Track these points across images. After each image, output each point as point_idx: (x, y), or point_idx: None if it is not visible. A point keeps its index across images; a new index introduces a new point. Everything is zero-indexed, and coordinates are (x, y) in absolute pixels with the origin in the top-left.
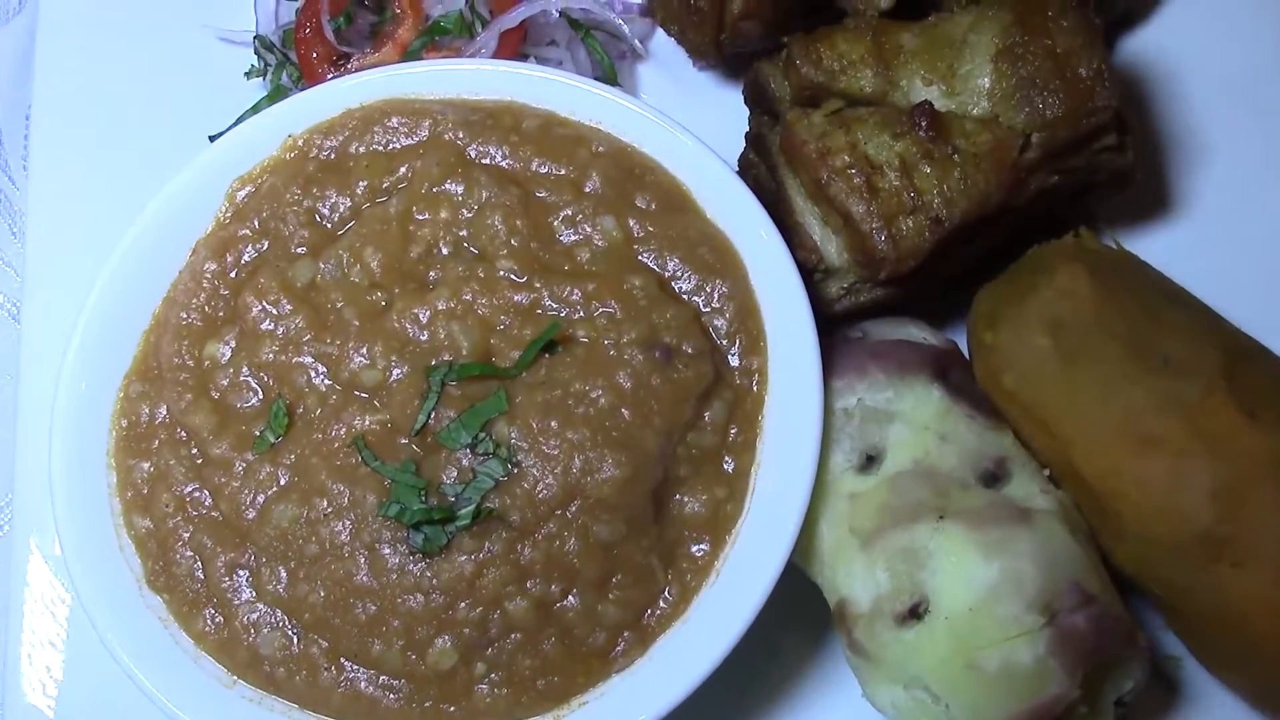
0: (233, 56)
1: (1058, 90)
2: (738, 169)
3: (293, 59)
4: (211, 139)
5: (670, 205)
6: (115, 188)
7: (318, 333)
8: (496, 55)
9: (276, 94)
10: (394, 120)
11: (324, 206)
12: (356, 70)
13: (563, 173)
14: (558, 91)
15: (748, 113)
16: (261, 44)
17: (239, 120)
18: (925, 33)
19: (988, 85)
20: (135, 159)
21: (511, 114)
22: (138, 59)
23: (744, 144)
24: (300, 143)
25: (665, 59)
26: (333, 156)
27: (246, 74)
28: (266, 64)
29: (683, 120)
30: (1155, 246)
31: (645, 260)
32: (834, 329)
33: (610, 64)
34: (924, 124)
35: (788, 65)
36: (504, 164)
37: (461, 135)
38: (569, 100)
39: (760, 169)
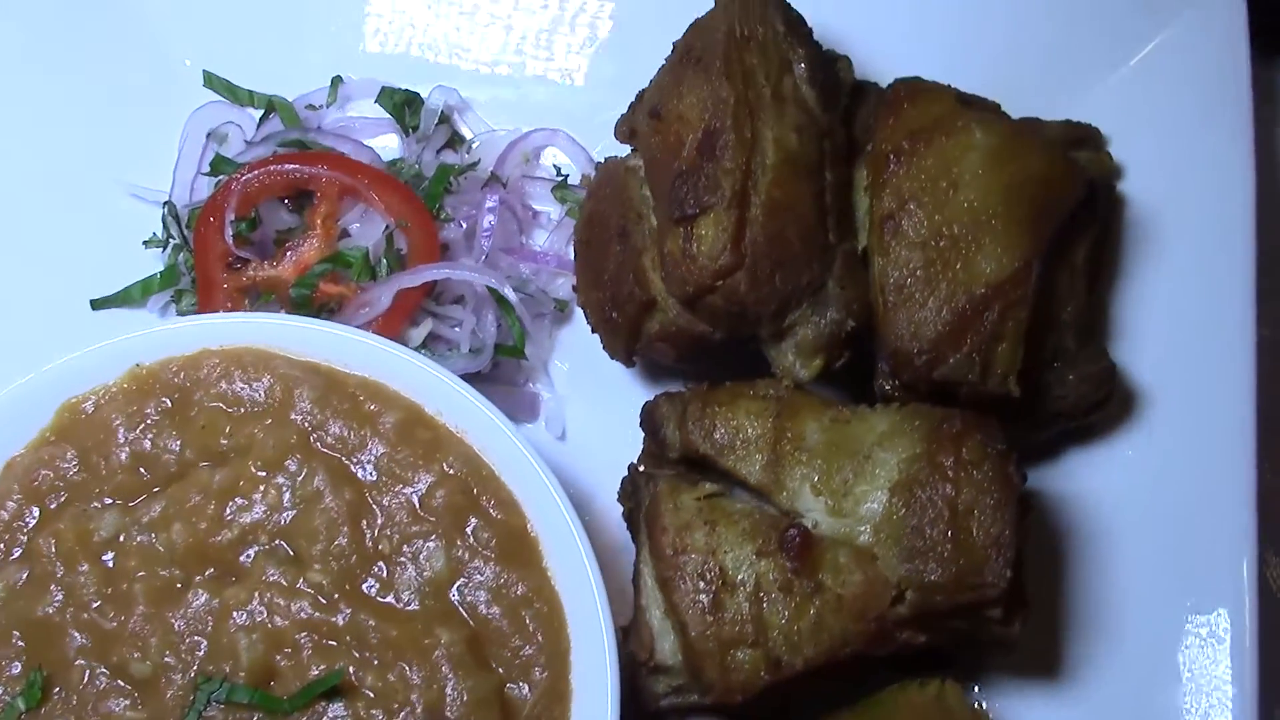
0: (139, 215)
1: (944, 555)
2: (618, 492)
3: (191, 245)
4: (93, 304)
5: (510, 553)
6: None
7: (103, 602)
8: (389, 312)
9: (168, 275)
10: (248, 375)
11: (150, 454)
12: (250, 278)
13: (406, 488)
14: (431, 387)
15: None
16: (170, 212)
17: (127, 289)
18: (834, 429)
19: (878, 515)
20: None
21: (376, 399)
22: (34, 201)
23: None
24: (145, 373)
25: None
26: (175, 399)
27: (145, 242)
28: (170, 236)
29: (589, 404)
30: (1031, 716)
31: (462, 610)
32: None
33: (521, 334)
34: (793, 551)
35: (680, 422)
36: (347, 461)
37: (312, 415)
38: (440, 400)
39: (633, 510)
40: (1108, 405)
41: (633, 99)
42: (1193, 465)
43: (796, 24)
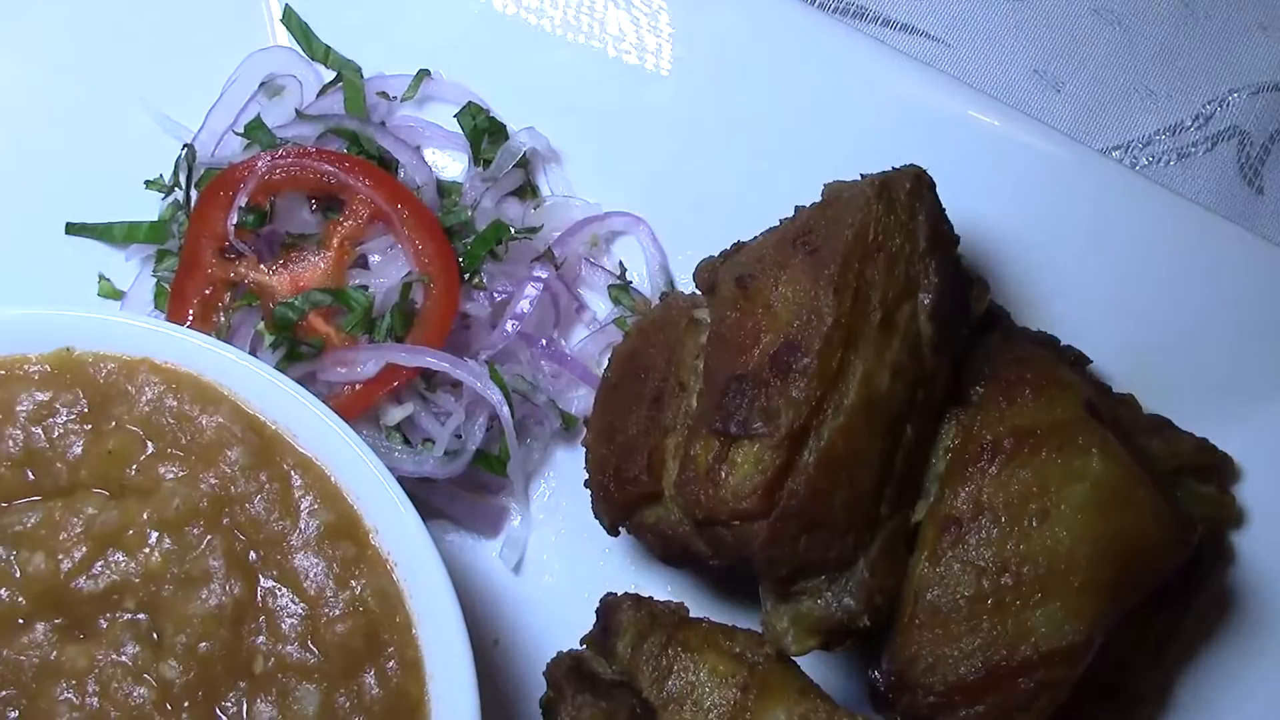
0: (155, 146)
1: None
2: (545, 667)
3: (191, 209)
4: (68, 228)
5: (395, 711)
6: None
7: None
8: (370, 383)
9: (157, 229)
10: (183, 409)
11: (44, 456)
12: (238, 275)
13: (305, 606)
14: (378, 497)
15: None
16: (187, 158)
17: (109, 226)
18: None
19: None
20: None
21: (311, 489)
22: (51, 98)
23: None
24: (73, 360)
25: None
26: (95, 404)
27: (148, 183)
28: (176, 185)
29: (558, 541)
30: None
31: None
32: None
33: (507, 450)
34: None
35: (636, 643)
36: (252, 550)
37: (234, 483)
38: (382, 514)
39: (552, 702)
40: None
41: (734, 241)
42: None
43: (942, 242)
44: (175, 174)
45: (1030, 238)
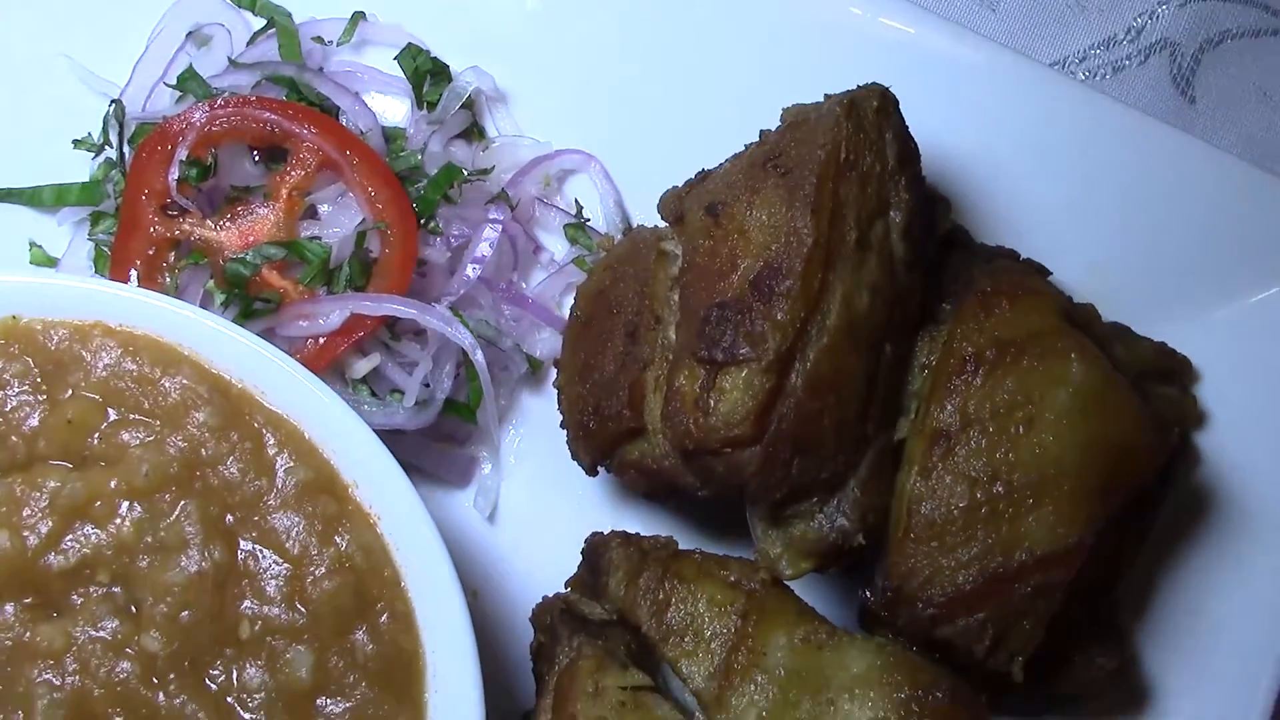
0: (80, 105)
1: None
2: (533, 611)
3: (126, 166)
4: None
5: (390, 679)
6: None
7: None
8: (334, 335)
9: (89, 190)
10: (143, 372)
11: None
12: (183, 232)
13: (289, 566)
14: (358, 450)
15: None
16: (115, 114)
17: (37, 189)
18: (804, 653)
19: None
20: None
21: (285, 446)
22: None
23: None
24: (21, 329)
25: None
26: (49, 373)
27: (76, 142)
28: (107, 142)
29: (532, 488)
30: None
31: None
32: None
33: (479, 392)
34: None
35: (631, 580)
36: (229, 513)
37: (204, 445)
38: (362, 468)
39: (543, 645)
40: (1104, 696)
41: (698, 170)
42: None
43: (909, 160)
44: (105, 131)
45: (983, 154)
